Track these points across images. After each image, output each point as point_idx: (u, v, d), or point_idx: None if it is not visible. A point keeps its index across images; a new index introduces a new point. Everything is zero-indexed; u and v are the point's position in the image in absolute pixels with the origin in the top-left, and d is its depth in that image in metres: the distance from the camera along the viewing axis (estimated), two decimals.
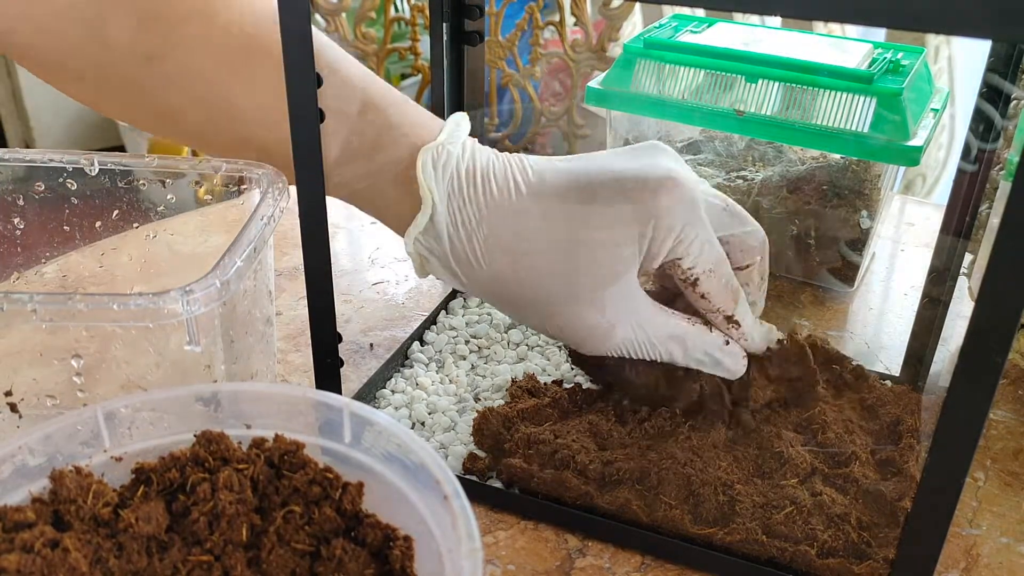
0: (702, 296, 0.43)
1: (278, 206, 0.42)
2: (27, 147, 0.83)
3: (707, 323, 0.44)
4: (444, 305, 0.58)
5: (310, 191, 0.39)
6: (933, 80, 0.63)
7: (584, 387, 0.48)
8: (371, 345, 0.58)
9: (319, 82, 0.36)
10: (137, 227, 0.50)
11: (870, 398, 0.48)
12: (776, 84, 0.59)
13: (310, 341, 0.43)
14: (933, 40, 1.41)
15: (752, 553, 0.40)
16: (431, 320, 0.57)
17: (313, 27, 0.42)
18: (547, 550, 0.42)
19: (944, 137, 1.45)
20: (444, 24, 0.52)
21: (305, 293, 0.41)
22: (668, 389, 0.45)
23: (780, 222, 0.62)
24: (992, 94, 0.44)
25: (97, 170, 0.47)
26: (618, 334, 0.43)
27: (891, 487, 0.41)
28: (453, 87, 0.54)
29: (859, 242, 0.63)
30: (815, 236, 0.63)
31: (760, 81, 0.59)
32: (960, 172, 0.46)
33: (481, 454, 0.46)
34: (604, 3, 1.28)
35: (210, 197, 0.48)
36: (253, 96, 0.43)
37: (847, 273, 0.64)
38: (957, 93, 1.41)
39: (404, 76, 1.95)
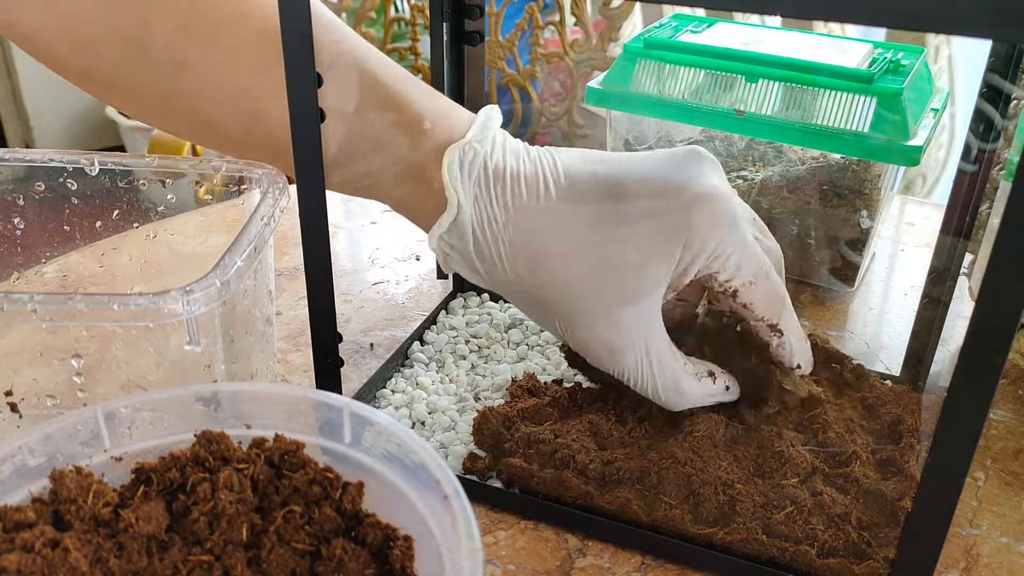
0: (744, 306, 0.42)
1: (278, 206, 0.42)
2: (27, 147, 0.83)
3: (712, 376, 0.43)
4: (444, 305, 0.58)
5: (310, 191, 0.39)
6: (933, 80, 0.63)
7: (584, 387, 0.48)
8: (371, 345, 0.58)
9: (319, 82, 0.36)
10: (137, 227, 0.50)
11: (870, 398, 0.48)
12: (776, 84, 0.59)
13: (310, 341, 0.43)
14: (933, 40, 1.41)
15: (752, 553, 0.40)
16: (431, 320, 0.57)
17: (346, 26, 0.41)
18: (547, 550, 0.42)
19: (944, 137, 1.45)
20: (444, 24, 0.52)
21: (305, 293, 0.41)
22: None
23: (780, 222, 0.62)
24: (992, 94, 0.43)
25: (97, 170, 0.47)
26: (628, 358, 0.42)
27: (891, 487, 0.41)
28: (453, 87, 0.54)
29: (859, 242, 0.63)
30: (815, 236, 0.63)
31: (760, 81, 0.59)
32: (960, 172, 0.46)
33: (481, 454, 0.46)
34: (604, 3, 1.28)
35: (210, 197, 0.48)
36: (284, 100, 0.43)
37: (847, 273, 0.64)
38: (957, 93, 1.41)
39: None
